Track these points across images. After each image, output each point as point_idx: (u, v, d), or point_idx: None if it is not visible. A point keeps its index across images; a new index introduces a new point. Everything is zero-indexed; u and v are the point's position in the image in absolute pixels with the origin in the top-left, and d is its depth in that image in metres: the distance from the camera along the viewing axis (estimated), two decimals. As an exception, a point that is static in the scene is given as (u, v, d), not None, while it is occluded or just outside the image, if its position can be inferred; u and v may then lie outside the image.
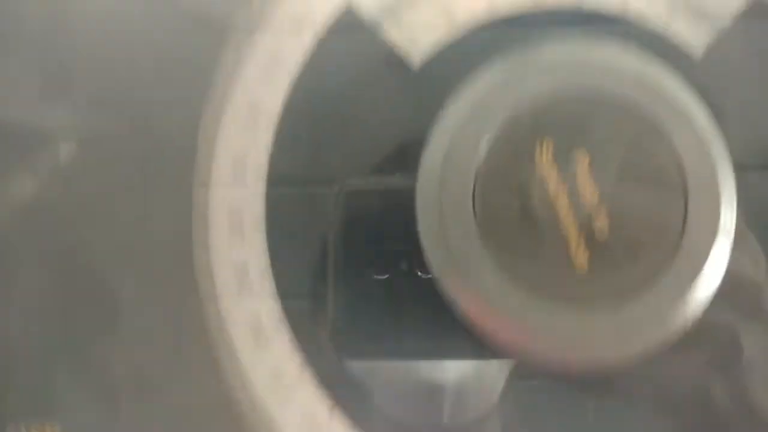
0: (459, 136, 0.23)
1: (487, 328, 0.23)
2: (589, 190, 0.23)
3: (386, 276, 0.25)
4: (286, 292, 0.26)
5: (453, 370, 0.26)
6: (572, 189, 0.23)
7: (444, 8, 0.26)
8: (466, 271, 0.23)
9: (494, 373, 0.26)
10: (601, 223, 0.23)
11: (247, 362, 0.25)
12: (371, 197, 0.26)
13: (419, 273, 0.25)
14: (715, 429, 0.26)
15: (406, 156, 0.24)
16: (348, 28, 0.26)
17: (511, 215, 0.23)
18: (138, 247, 0.26)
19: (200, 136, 0.26)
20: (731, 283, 0.25)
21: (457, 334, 0.24)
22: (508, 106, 0.23)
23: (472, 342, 0.24)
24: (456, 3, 0.26)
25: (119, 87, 0.26)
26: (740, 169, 0.24)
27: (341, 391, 0.26)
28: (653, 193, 0.23)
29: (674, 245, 0.23)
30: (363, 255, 0.26)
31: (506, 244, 0.23)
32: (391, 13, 0.26)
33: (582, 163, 0.23)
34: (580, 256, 0.23)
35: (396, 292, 0.25)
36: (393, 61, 0.26)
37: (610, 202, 0.23)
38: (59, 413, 0.25)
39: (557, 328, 0.23)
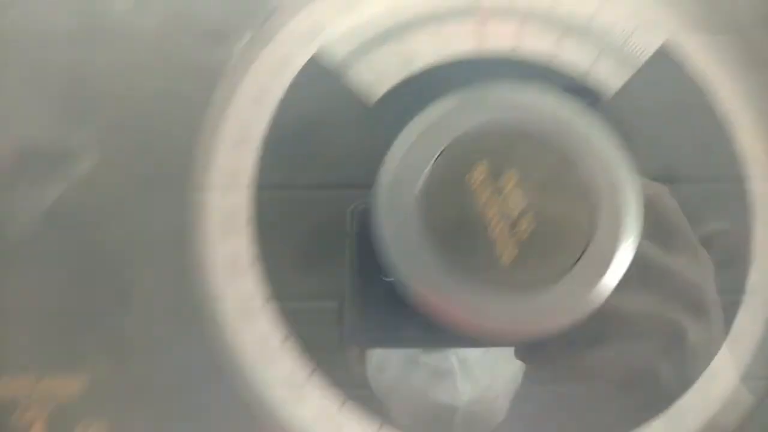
0: (409, 157, 0.26)
1: (432, 312, 0.26)
2: (515, 201, 0.26)
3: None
4: (270, 276, 0.28)
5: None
6: (501, 200, 0.26)
7: (399, 55, 0.29)
8: (414, 266, 0.26)
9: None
10: (525, 227, 0.26)
11: (236, 332, 0.28)
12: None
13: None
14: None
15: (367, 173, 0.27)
16: (319, 70, 0.29)
17: (451, 219, 0.26)
18: (144, 241, 0.28)
19: (198, 151, 0.28)
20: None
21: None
22: (449, 135, 0.26)
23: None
24: (409, 51, 0.29)
25: (130, 111, 0.28)
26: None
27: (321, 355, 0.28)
28: (568, 205, 0.26)
29: (584, 247, 0.26)
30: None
31: (446, 242, 0.26)
32: (353, 59, 0.29)
33: (510, 181, 0.26)
34: (507, 253, 0.26)
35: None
36: (355, 98, 0.29)
37: (533, 211, 0.26)
38: (82, 368, 0.28)
39: (488, 310, 0.26)
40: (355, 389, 0.29)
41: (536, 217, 0.26)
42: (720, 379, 0.29)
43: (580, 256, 0.26)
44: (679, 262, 0.29)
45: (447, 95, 0.27)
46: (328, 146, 0.29)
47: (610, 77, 0.30)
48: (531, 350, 0.29)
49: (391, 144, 0.27)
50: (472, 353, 0.30)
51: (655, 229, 0.28)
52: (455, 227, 0.26)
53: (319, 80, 0.29)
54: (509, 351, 0.29)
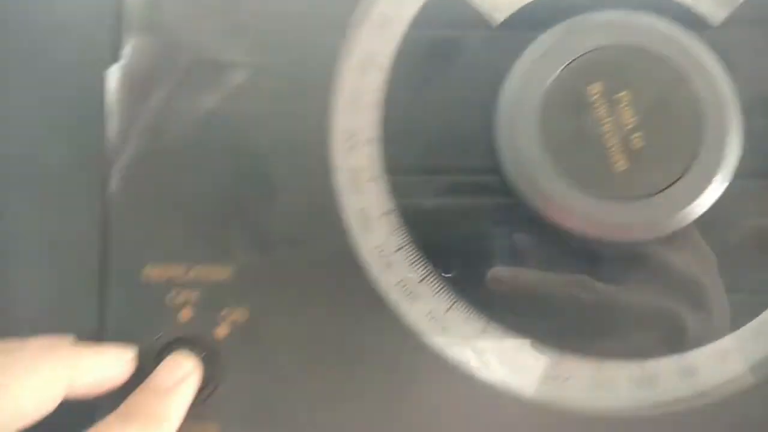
0: (530, 75, 0.29)
1: (547, 215, 0.29)
2: (627, 117, 0.28)
3: (450, 275, 0.30)
4: (391, 189, 0.30)
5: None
6: (615, 115, 0.28)
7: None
8: (531, 172, 0.28)
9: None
10: (636, 140, 0.28)
11: (358, 238, 0.30)
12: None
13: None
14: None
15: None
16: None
17: (567, 132, 0.28)
18: (288, 147, 0.30)
19: (332, 72, 0.31)
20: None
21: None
22: (568, 56, 0.28)
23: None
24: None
25: (279, 30, 0.31)
26: (746, 112, 0.29)
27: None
28: (676, 123, 0.28)
29: (688, 163, 0.28)
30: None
31: (563, 152, 0.28)
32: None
33: (623, 99, 0.28)
34: (619, 162, 0.28)
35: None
36: (479, 21, 0.31)
37: (643, 126, 0.28)
38: (229, 258, 0.30)
39: (600, 212, 0.28)
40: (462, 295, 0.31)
41: (646, 133, 0.28)
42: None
43: (683, 174, 0.28)
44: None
45: (565, 20, 0.30)
46: (454, 67, 0.31)
47: (713, 10, 0.31)
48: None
49: (513, 64, 0.30)
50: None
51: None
52: (571, 140, 0.28)
53: (447, 3, 0.31)
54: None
